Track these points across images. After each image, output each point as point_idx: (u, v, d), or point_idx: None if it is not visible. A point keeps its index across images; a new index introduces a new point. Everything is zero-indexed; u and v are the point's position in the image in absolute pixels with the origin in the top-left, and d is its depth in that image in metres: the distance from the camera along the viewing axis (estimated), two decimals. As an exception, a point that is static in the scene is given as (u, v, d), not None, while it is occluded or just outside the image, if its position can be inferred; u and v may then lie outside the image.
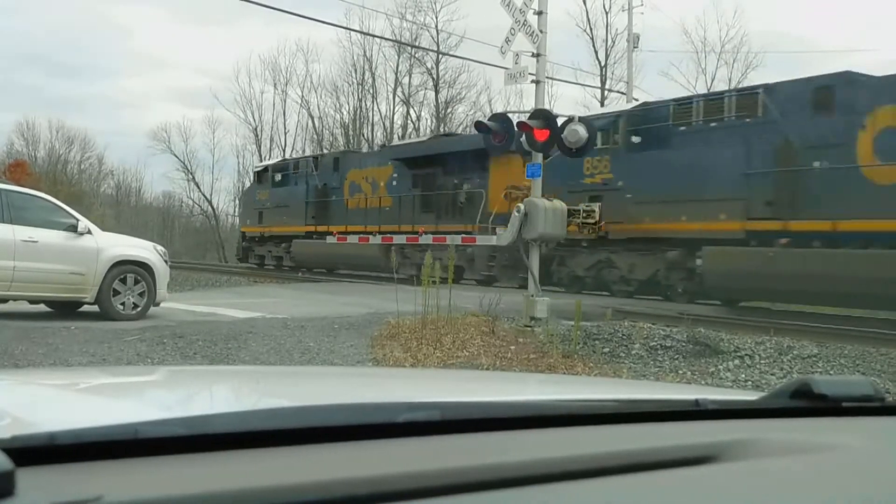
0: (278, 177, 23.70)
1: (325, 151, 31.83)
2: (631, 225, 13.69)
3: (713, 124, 12.75)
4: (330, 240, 20.34)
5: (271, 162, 26.10)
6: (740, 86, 20.60)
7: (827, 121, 11.09)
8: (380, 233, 18.83)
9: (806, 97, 11.51)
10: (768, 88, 12.30)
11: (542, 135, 9.64)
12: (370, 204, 19.71)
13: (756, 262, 11.49)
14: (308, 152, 42.14)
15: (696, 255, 12.58)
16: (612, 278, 14.44)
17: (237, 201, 26.62)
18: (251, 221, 24.89)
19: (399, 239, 17.89)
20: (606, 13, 34.39)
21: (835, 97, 11.13)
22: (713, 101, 13.29)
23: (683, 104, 13.62)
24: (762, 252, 11.49)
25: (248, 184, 31.35)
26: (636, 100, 21.75)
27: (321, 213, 21.39)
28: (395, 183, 19.35)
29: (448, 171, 17.93)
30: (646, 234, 13.44)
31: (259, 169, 25.98)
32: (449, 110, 40.37)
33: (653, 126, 13.75)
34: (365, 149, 34.35)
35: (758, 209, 11.76)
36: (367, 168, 20.57)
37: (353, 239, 19.55)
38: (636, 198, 13.52)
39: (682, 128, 13.24)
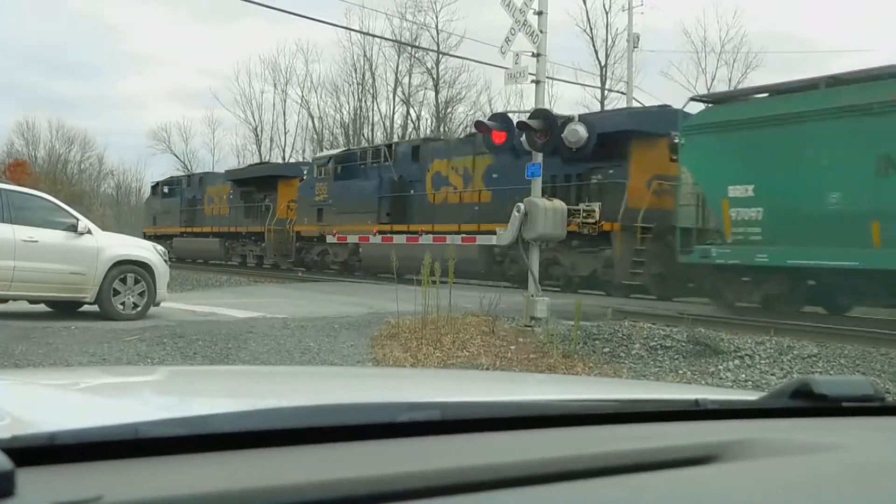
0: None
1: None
2: (332, 227, 20.89)
3: (370, 164, 20.66)
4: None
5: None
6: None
7: (416, 166, 19.14)
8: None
9: (409, 151, 19.80)
10: (391, 145, 21.27)
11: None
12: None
13: (382, 250, 17.60)
14: (308, 152, 42.10)
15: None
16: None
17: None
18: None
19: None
20: (606, 13, 34.47)
21: (419, 153, 19.24)
22: (370, 150, 21.62)
23: (359, 152, 22.22)
24: (385, 245, 18.11)
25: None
26: (636, 100, 21.92)
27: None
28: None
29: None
30: (341, 232, 20.59)
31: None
32: (449, 110, 40.42)
33: (346, 164, 21.46)
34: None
35: (383, 218, 19.31)
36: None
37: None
38: (337, 210, 20.72)
39: (359, 165, 21.09)
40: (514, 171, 14.25)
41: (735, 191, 11.88)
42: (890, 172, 10.22)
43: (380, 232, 19.13)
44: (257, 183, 24.92)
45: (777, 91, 12.34)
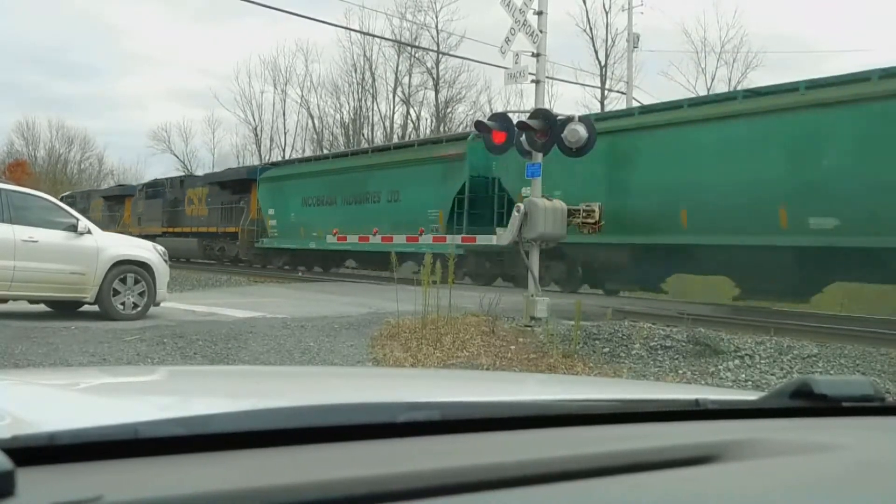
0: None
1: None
2: (144, 229, 29.45)
3: (161, 190, 31.73)
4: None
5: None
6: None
7: (181, 192, 30.12)
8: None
9: (177, 183, 31.17)
10: (172, 179, 32.84)
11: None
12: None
13: (166, 244, 20.57)
14: (308, 152, 42.43)
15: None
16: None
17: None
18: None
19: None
20: (606, 13, 34.51)
21: (183, 184, 30.60)
22: (165, 181, 32.69)
23: (157, 182, 33.52)
24: (167, 240, 22.07)
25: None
26: (636, 99, 22.00)
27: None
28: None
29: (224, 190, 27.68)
30: (144, 232, 27.68)
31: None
32: (449, 110, 40.45)
33: (151, 189, 33.04)
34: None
35: (164, 223, 30.19)
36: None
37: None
38: (145, 218, 31.74)
39: (158, 189, 32.05)
40: (217, 196, 27.45)
41: (270, 212, 24.41)
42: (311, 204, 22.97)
43: (164, 233, 29.30)
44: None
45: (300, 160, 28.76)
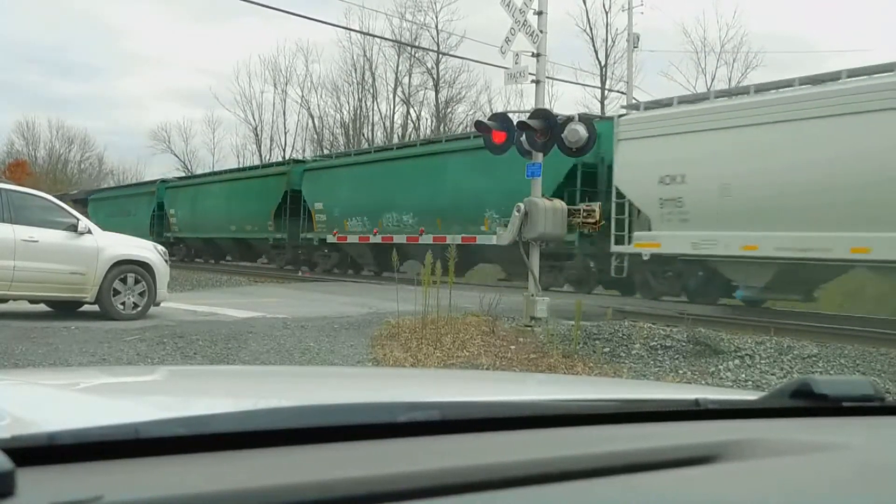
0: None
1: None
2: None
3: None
4: None
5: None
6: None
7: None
8: None
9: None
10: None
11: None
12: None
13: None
14: (308, 152, 42.55)
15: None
16: None
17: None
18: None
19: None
20: (606, 13, 34.46)
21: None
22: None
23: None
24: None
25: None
26: (636, 99, 22.04)
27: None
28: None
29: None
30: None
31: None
32: (449, 110, 40.45)
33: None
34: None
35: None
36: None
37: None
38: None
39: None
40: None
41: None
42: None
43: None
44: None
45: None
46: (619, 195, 13.57)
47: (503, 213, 13.58)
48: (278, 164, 28.25)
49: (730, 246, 11.62)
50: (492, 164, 13.67)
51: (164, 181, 31.92)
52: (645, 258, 12.96)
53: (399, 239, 18.46)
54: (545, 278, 16.11)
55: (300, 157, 28.22)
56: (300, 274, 21.92)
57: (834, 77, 11.11)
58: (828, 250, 10.52)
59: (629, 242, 13.25)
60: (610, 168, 14.05)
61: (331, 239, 21.21)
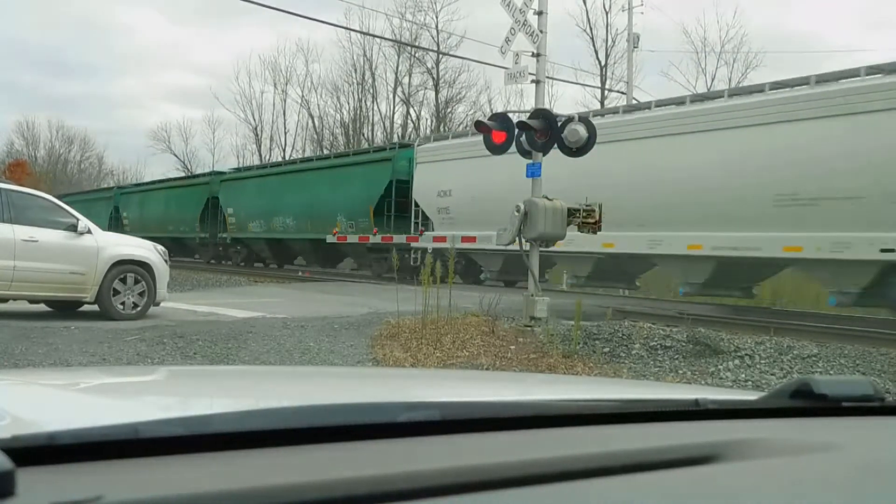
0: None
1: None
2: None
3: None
4: None
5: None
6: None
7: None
8: None
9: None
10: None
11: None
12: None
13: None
14: (308, 152, 42.57)
15: None
16: None
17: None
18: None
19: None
20: (606, 13, 34.47)
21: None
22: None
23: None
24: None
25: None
26: (636, 99, 22.08)
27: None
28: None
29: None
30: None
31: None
32: (449, 110, 40.43)
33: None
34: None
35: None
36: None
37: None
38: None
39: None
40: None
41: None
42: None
43: None
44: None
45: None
46: (416, 204, 19.50)
47: (349, 216, 20.94)
48: (204, 175, 33.55)
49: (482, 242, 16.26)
50: (340, 179, 21.57)
51: (120, 187, 38.11)
52: (429, 252, 15.94)
53: (285, 236, 24.35)
54: (373, 270, 21.16)
55: (221, 170, 32.77)
56: (300, 274, 21.98)
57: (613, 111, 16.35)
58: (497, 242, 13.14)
59: (421, 240, 18.77)
60: None
61: (239, 237, 26.76)
